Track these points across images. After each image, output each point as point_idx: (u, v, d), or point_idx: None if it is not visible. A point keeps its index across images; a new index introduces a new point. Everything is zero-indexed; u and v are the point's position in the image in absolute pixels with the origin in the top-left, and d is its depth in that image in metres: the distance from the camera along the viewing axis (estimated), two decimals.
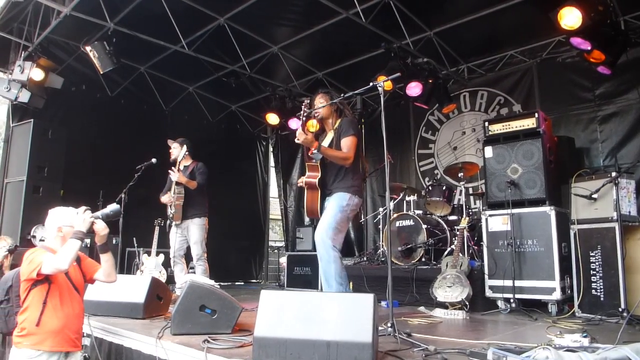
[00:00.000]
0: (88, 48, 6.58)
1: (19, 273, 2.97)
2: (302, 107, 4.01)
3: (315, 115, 4.26)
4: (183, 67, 8.31)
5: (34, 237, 6.45)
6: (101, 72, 6.84)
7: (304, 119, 3.99)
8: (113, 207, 3.27)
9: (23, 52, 6.90)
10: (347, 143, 4.06)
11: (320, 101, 4.31)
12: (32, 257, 2.90)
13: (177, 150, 5.95)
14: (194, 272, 5.86)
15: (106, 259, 3.23)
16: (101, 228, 3.11)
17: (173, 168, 5.80)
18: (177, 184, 5.70)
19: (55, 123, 7.47)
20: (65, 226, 3.08)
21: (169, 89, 9.30)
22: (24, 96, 6.88)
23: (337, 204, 4.05)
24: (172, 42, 7.25)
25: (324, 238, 3.95)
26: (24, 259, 2.95)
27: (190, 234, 5.82)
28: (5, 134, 7.51)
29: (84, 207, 3.11)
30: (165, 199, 5.88)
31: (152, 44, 7.24)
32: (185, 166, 5.96)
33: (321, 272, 4.02)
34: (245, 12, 6.75)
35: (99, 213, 3.17)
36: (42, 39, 6.75)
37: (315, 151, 3.93)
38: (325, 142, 4.25)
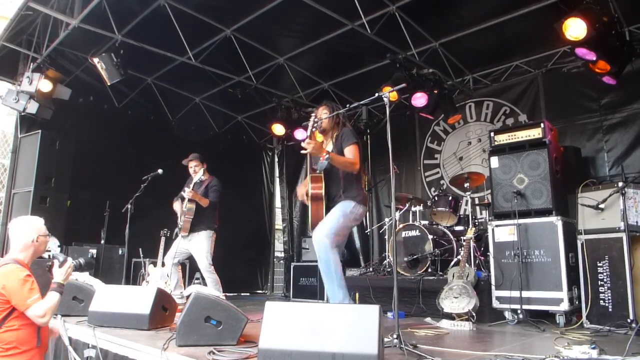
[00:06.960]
0: (95, 60, 6.63)
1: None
2: (311, 117, 4.02)
3: (319, 125, 4.26)
4: (190, 78, 8.37)
5: None
6: (108, 84, 6.87)
7: (313, 129, 4.00)
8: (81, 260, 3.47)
9: (32, 64, 6.96)
10: (352, 150, 4.10)
11: (324, 112, 4.32)
12: (29, 286, 2.96)
13: (200, 168, 5.95)
14: (200, 283, 5.84)
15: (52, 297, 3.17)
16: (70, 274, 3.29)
17: (187, 186, 5.83)
18: (190, 200, 5.73)
19: (63, 134, 7.51)
20: (41, 236, 3.20)
21: (176, 100, 9.36)
22: (32, 107, 6.92)
23: (341, 209, 4.07)
24: (179, 54, 7.30)
25: (323, 239, 3.96)
26: (17, 279, 2.97)
27: (196, 245, 5.82)
28: (13, 144, 7.55)
29: (70, 259, 3.26)
30: (176, 207, 5.92)
31: (159, 55, 7.29)
32: (201, 180, 5.97)
33: (322, 272, 4.02)
34: (252, 23, 6.81)
35: (72, 263, 3.32)
36: (51, 51, 6.82)
37: (326, 156, 3.93)
38: None
